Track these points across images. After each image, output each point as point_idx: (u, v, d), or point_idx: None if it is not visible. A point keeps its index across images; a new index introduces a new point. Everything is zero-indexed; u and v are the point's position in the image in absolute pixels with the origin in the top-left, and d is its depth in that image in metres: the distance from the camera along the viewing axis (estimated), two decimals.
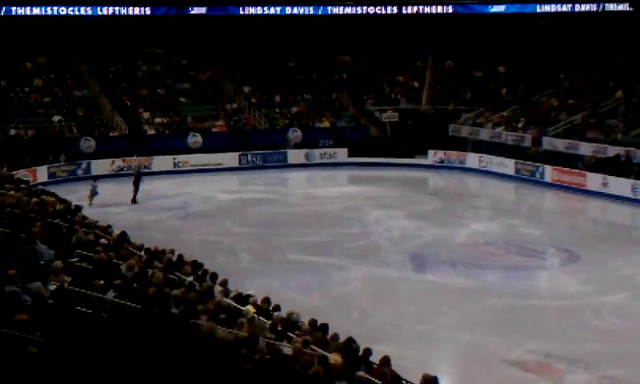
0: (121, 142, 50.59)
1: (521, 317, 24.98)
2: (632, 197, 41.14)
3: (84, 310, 14.91)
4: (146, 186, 42.59)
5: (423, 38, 60.38)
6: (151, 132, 52.55)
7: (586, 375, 20.70)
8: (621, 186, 41.83)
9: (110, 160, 48.68)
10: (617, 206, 41.29)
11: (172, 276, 19.32)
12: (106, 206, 39.06)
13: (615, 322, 24.51)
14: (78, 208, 26.69)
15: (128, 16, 53.83)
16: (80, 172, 47.68)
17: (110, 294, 16.42)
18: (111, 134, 51.48)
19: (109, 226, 24.55)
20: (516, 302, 26.32)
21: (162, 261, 20.64)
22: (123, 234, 23.29)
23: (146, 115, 53.65)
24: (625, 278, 28.67)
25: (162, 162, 49.21)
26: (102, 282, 16.98)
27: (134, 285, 17.16)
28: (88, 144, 49.50)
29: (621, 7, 55.97)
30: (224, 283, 19.88)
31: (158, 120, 53.45)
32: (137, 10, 53.60)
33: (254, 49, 59.34)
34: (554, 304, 26.33)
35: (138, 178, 41.33)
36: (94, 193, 39.82)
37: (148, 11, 53.91)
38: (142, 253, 21.68)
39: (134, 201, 40.89)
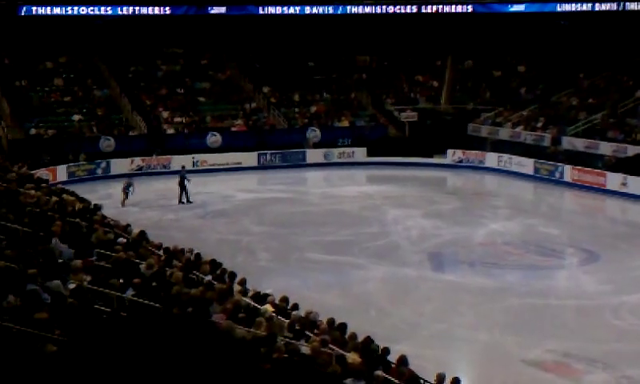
0: (140, 141, 50.77)
1: (539, 316, 24.95)
2: None
3: (103, 308, 15.01)
4: (163, 185, 42.68)
5: (443, 38, 60.33)
6: (170, 131, 52.68)
7: (605, 375, 20.67)
8: None
9: (129, 159, 48.80)
10: (637, 206, 41.16)
11: (191, 275, 19.39)
12: (126, 205, 39.24)
13: (634, 322, 24.46)
14: (98, 207, 26.80)
15: (148, 16, 53.93)
16: (99, 171, 47.87)
17: (129, 293, 16.52)
18: (131, 134, 51.64)
19: (128, 225, 24.65)
20: (534, 302, 26.29)
21: (181, 260, 20.72)
22: (142, 233, 23.37)
23: (165, 115, 53.79)
24: None
25: (180, 161, 49.16)
26: (121, 280, 17.08)
27: (153, 284, 17.25)
28: (108, 143, 49.70)
29: None
30: (242, 282, 19.93)
31: (177, 119, 53.58)
32: (157, 10, 53.69)
33: (274, 48, 59.40)
34: (572, 304, 26.29)
35: (183, 179, 41.40)
36: (127, 192, 39.92)
37: (168, 11, 54.01)
38: (161, 252, 21.75)
39: (180, 201, 40.95)
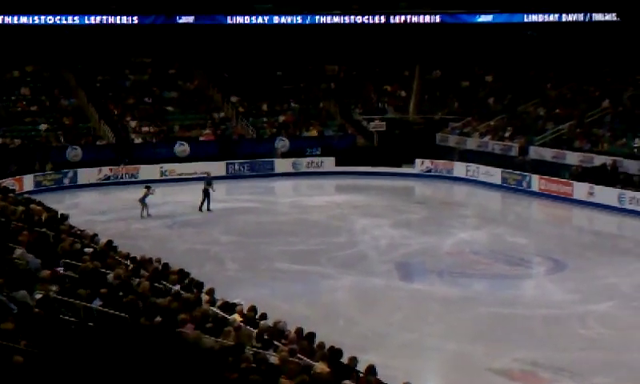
0: (108, 150, 50.53)
1: (507, 326, 25.03)
2: (618, 206, 41.28)
3: (70, 319, 14.91)
4: (131, 194, 42.52)
5: (411, 48, 60.54)
6: (138, 141, 52.49)
7: None
8: (607, 195, 41.97)
9: (96, 169, 48.58)
10: (603, 215, 41.43)
11: (158, 285, 19.32)
12: (93, 215, 39.05)
13: (601, 331, 24.58)
14: (65, 217, 26.66)
15: (115, 25, 53.84)
16: (66, 181, 47.57)
17: (97, 303, 16.42)
18: (98, 143, 51.38)
19: (95, 235, 24.54)
20: (502, 311, 26.37)
21: (149, 270, 20.64)
22: (109, 242, 23.28)
23: (133, 124, 53.58)
24: (611, 287, 28.77)
25: (148, 171, 49.11)
26: (87, 290, 16.97)
27: (120, 293, 17.16)
28: (75, 153, 49.41)
29: (608, 17, 56.16)
30: (211, 292, 19.88)
31: (145, 129, 53.38)
32: (124, 19, 53.59)
33: (242, 58, 59.36)
34: (540, 313, 26.37)
35: (207, 185, 41.34)
36: (144, 202, 39.73)
37: (136, 20, 53.91)
38: (129, 262, 21.66)
39: (201, 209, 40.96)
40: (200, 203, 41.10)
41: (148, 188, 40.19)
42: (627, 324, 25.23)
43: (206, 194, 41.06)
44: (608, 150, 45.87)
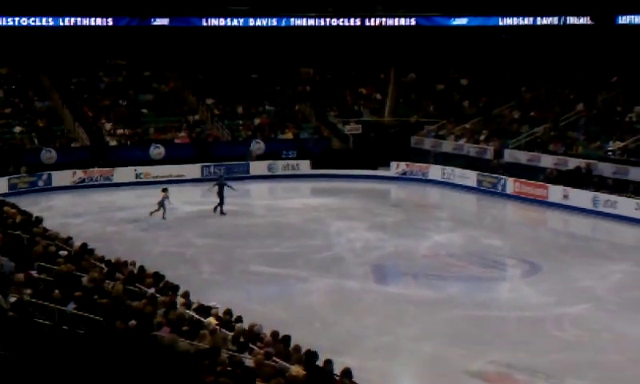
0: (82, 153, 50.30)
1: (482, 328, 25.07)
2: (592, 209, 41.46)
3: (44, 322, 14.83)
4: (106, 197, 42.37)
5: (386, 51, 60.62)
6: (113, 143, 52.29)
7: None
8: (581, 197, 42.15)
9: (71, 171, 48.34)
10: (577, 218, 41.60)
11: (133, 288, 19.24)
12: (67, 217, 38.87)
13: (576, 333, 24.66)
14: (39, 219, 26.52)
15: (90, 27, 53.62)
16: (41, 183, 47.29)
17: (71, 306, 16.33)
18: (73, 146, 51.13)
19: (69, 238, 24.42)
20: (477, 313, 26.41)
21: (124, 272, 20.56)
22: (84, 245, 23.17)
23: (107, 126, 53.38)
24: (585, 290, 28.86)
25: (123, 174, 48.96)
26: (62, 294, 16.89)
27: (95, 297, 17.08)
28: (49, 155, 49.16)
29: (582, 20, 56.37)
30: (186, 295, 19.83)
31: (119, 131, 53.20)
32: (99, 21, 53.38)
33: (217, 60, 59.28)
34: (515, 315, 26.44)
35: (222, 187, 41.18)
36: (162, 204, 39.53)
37: (110, 22, 53.71)
38: (103, 265, 21.57)
39: (216, 210, 40.89)
40: (218, 205, 40.91)
41: (165, 190, 40.07)
42: (602, 326, 25.32)
43: (220, 196, 40.91)
44: (582, 153, 46.05)
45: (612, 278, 30.67)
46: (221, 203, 40.92)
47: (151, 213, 39.34)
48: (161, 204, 39.43)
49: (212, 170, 51.17)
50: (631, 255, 35.07)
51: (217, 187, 41.34)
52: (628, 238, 39.02)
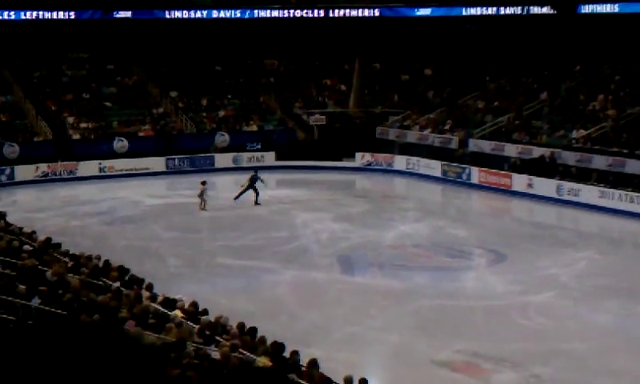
0: (45, 147, 49.92)
1: (448, 317, 25.16)
2: (557, 197, 41.73)
3: (8, 317, 14.71)
4: (69, 191, 42.07)
5: (350, 42, 60.58)
6: (76, 137, 51.92)
7: (513, 374, 20.91)
8: (546, 186, 42.40)
9: (34, 166, 47.97)
10: (542, 207, 41.83)
11: (98, 282, 19.12)
12: (31, 212, 38.59)
13: (541, 322, 24.79)
14: (2, 214, 26.31)
15: (52, 20, 53.24)
16: (4, 178, 46.92)
17: (35, 301, 16.21)
18: (35, 140, 50.74)
19: (33, 232, 24.27)
20: (444, 303, 26.50)
21: (88, 267, 20.42)
22: (48, 240, 23.01)
23: (71, 120, 53.01)
24: (550, 278, 29.03)
25: (87, 167, 48.65)
26: (26, 288, 16.76)
27: (60, 291, 16.96)
28: (12, 150, 48.74)
29: (545, 10, 56.61)
30: (150, 287, 19.73)
31: (83, 125, 52.85)
32: (61, 14, 53.04)
33: (181, 53, 59.01)
34: (481, 304, 26.55)
35: (253, 180, 41.58)
36: (202, 196, 39.73)
37: (72, 15, 53.37)
38: (68, 259, 21.43)
39: (256, 202, 41.31)
40: (255, 197, 41.37)
41: (204, 183, 40.20)
42: (566, 314, 25.49)
43: (253, 188, 41.38)
44: (546, 142, 46.27)
45: (576, 265, 30.89)
46: (256, 195, 41.41)
47: (201, 208, 39.45)
48: (201, 196, 39.62)
49: (177, 162, 50.99)
50: (595, 243, 35.41)
51: (248, 180, 41.83)
52: (592, 226, 39.33)
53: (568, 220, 40.37)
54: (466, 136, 49.99)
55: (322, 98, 59.67)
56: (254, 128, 55.39)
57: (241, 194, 41.49)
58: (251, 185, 41.39)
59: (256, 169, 43.68)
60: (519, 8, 56.55)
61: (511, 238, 35.38)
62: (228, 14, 56.71)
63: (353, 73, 61.86)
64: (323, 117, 57.02)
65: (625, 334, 24.30)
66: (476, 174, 46.22)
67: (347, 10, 57.72)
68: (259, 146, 53.61)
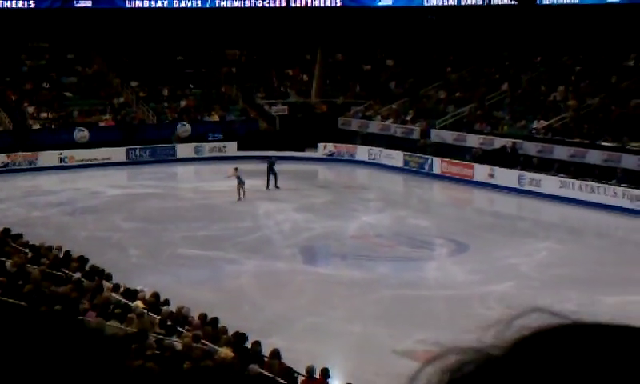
0: (5, 137, 49.49)
1: (410, 307, 25.22)
2: (518, 187, 41.94)
3: None
4: (29, 181, 41.73)
5: (312, 32, 60.46)
6: (36, 127, 51.55)
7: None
8: (507, 176, 42.61)
9: None
10: (503, 197, 42.04)
11: (59, 273, 18.99)
12: None
13: (502, 311, 24.88)
14: None
15: (11, 9, 52.73)
16: None
17: None
18: None
19: None
20: (406, 293, 26.57)
21: (49, 257, 20.28)
22: (7, 230, 22.83)
23: (30, 110, 52.60)
24: (511, 267, 29.19)
25: (47, 157, 48.26)
26: None
27: (20, 282, 16.83)
28: None
29: (506, 0, 56.90)
30: (109, 277, 19.63)
31: (43, 115, 52.45)
32: (20, 3, 52.56)
33: (142, 42, 58.61)
34: (442, 294, 26.65)
35: (271, 165, 42.88)
36: (241, 181, 40.29)
37: (32, 4, 52.90)
38: (28, 250, 21.27)
39: (276, 186, 42.67)
40: (267, 182, 42.51)
41: (237, 169, 40.77)
42: (527, 303, 25.26)
43: (272, 173, 42.62)
44: (508, 133, 46.51)
45: (536, 255, 31.07)
46: (275, 179, 42.66)
47: (239, 198, 39.90)
48: (240, 185, 40.10)
49: (138, 152, 50.72)
50: (555, 233, 35.63)
51: (267, 164, 43.22)
52: (552, 216, 39.57)
53: (529, 210, 40.59)
54: (428, 126, 50.12)
55: (284, 88, 59.62)
56: (216, 118, 55.23)
57: (268, 181, 42.72)
58: (271, 169, 42.61)
59: (272, 157, 44.27)
60: None
61: (472, 228, 35.51)
62: (189, 4, 56.47)
63: (315, 63, 61.84)
64: (285, 107, 56.97)
65: None
66: (438, 165, 46.36)
67: (309, 0, 57.64)
68: (221, 136, 53.46)
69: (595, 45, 50.94)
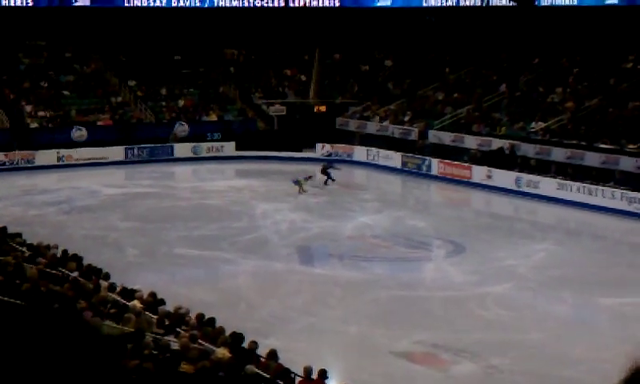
0: (2, 135, 49.46)
1: (407, 308, 25.25)
2: (515, 189, 41.96)
3: None
4: (27, 180, 41.69)
5: (310, 32, 60.47)
6: (34, 125, 51.51)
7: (472, 365, 21.01)
8: (505, 178, 42.62)
9: None
10: (501, 198, 42.05)
11: (56, 272, 18.98)
12: None
13: (499, 312, 24.94)
14: None
15: (9, 7, 52.67)
16: None
17: None
18: None
19: None
20: (403, 294, 26.58)
21: (46, 256, 20.27)
22: (3, 229, 22.80)
23: (28, 108, 52.55)
24: (508, 269, 29.22)
25: (45, 156, 48.23)
26: None
27: (17, 281, 16.82)
28: None
29: (504, 2, 56.91)
30: (107, 277, 19.62)
31: (41, 113, 52.40)
32: (18, 1, 52.47)
33: (140, 41, 58.60)
34: (439, 295, 26.66)
35: (327, 166, 43.98)
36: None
37: (30, 2, 52.82)
38: (25, 248, 21.25)
39: (327, 183, 43.80)
40: (325, 180, 43.59)
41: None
42: (523, 305, 25.68)
43: (327, 173, 43.75)
44: (505, 134, 46.52)
45: (534, 257, 31.11)
46: (328, 176, 43.77)
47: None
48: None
49: (135, 152, 50.70)
50: (552, 234, 35.67)
51: (322, 166, 44.45)
52: (550, 218, 39.60)
53: (526, 212, 40.62)
54: (426, 127, 50.14)
55: (282, 89, 59.60)
56: (214, 118, 55.24)
57: (327, 178, 43.81)
58: (326, 171, 43.76)
59: (328, 161, 45.87)
60: (479, 0, 56.79)
61: (470, 229, 35.55)
62: (187, 3, 56.40)
63: (313, 63, 61.80)
64: (283, 107, 56.96)
65: (582, 325, 24.59)
66: (435, 166, 46.37)
67: (307, 0, 57.64)
68: (219, 136, 53.46)
69: (593, 47, 50.99)
